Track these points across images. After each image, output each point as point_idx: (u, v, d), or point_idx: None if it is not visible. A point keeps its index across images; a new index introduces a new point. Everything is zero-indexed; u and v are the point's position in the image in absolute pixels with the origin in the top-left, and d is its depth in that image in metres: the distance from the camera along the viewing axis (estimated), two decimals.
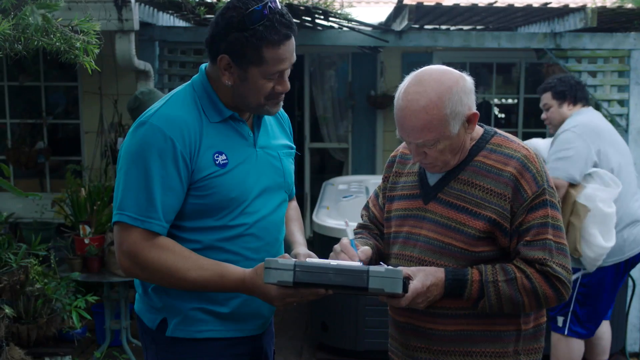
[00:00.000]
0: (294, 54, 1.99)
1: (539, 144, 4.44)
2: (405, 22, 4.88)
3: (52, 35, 2.94)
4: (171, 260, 1.92)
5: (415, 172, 2.16)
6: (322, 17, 5.19)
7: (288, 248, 2.23)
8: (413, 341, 2.10)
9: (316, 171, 8.87)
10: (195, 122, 1.97)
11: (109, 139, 6.04)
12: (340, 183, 6.46)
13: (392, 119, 7.71)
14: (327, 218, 4.94)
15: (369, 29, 5.54)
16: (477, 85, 2.12)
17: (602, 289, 3.93)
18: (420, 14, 4.88)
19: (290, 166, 2.22)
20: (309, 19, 5.30)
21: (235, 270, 1.94)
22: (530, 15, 5.20)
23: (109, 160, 5.97)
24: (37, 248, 4.12)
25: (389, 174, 2.28)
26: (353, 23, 5.43)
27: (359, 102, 7.74)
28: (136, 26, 4.50)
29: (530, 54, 6.82)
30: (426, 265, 2.02)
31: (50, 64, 6.73)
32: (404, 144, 2.26)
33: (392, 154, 2.34)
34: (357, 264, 1.87)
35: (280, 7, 1.94)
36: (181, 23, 5.86)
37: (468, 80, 2.01)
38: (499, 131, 2.13)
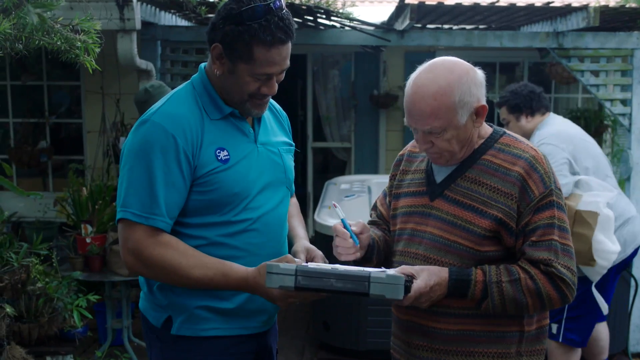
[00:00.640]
0: (287, 61, 1.99)
1: None
2: (407, 22, 4.87)
3: (52, 35, 2.94)
4: (175, 257, 1.93)
5: (423, 170, 2.17)
6: (324, 16, 5.18)
7: (289, 243, 2.24)
8: (415, 339, 2.10)
9: (319, 171, 8.86)
10: (196, 119, 1.99)
11: (111, 138, 6.04)
12: (343, 183, 6.45)
13: (395, 118, 7.74)
14: (329, 218, 4.93)
15: (371, 28, 5.54)
16: None
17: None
18: (422, 13, 4.87)
19: (291, 162, 2.24)
20: (311, 18, 5.30)
21: (238, 269, 1.95)
22: (532, 14, 5.19)
23: (111, 160, 5.97)
24: (38, 247, 4.12)
25: (396, 172, 2.29)
26: (355, 22, 5.42)
27: (362, 102, 7.73)
28: (138, 25, 4.49)
29: (533, 54, 6.81)
30: (431, 263, 2.03)
31: (53, 63, 6.73)
32: (412, 142, 2.27)
33: (400, 152, 2.35)
34: (358, 269, 1.88)
35: (283, 11, 1.94)
36: (183, 22, 5.86)
37: (479, 73, 2.03)
38: (508, 132, 2.13)
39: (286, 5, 1.99)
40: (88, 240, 4.33)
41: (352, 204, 5.61)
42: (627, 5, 4.77)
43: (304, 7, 4.64)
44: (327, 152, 8.62)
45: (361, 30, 5.39)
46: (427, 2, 4.59)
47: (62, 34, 2.71)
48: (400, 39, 5.32)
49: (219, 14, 1.97)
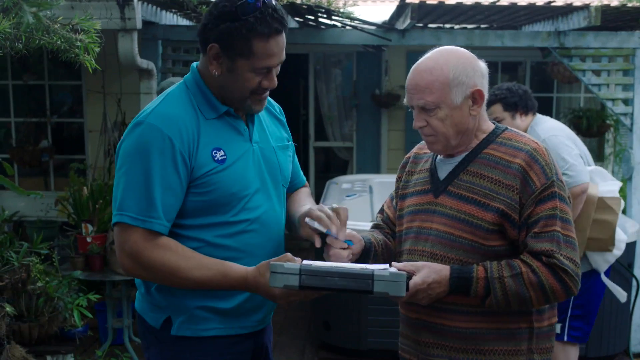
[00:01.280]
0: (284, 52, 2.00)
1: None
2: (407, 21, 4.87)
3: (52, 34, 2.95)
4: (174, 259, 1.92)
5: (427, 169, 2.18)
6: (324, 15, 5.18)
7: (295, 218, 2.19)
8: (425, 337, 2.09)
9: (321, 170, 8.86)
10: (191, 120, 1.97)
11: (112, 138, 6.04)
12: (344, 182, 6.45)
13: (396, 117, 7.74)
14: None
15: (372, 27, 5.53)
16: None
17: (600, 290, 3.89)
18: (423, 12, 4.86)
19: (287, 159, 2.22)
20: (312, 17, 5.30)
21: (238, 269, 1.95)
22: (534, 13, 5.18)
23: (112, 159, 5.97)
24: (39, 246, 4.12)
25: (401, 174, 2.31)
26: (356, 22, 5.42)
27: (364, 101, 7.73)
28: (139, 25, 4.49)
29: (535, 53, 6.80)
30: (437, 260, 2.03)
31: (55, 62, 6.74)
32: (418, 145, 2.30)
33: (407, 155, 2.36)
34: (361, 266, 1.89)
35: (274, 2, 1.95)
36: (184, 22, 5.86)
37: (481, 63, 2.06)
38: (511, 128, 2.15)
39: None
40: (89, 239, 4.33)
41: (353, 204, 5.60)
42: (629, 5, 4.75)
43: (304, 6, 4.63)
44: (329, 151, 8.62)
45: (362, 30, 5.39)
46: (427, 2, 4.58)
47: (60, 33, 2.70)
48: (401, 38, 5.32)
49: (210, 14, 1.96)
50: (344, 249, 2.06)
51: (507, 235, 1.99)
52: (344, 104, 8.01)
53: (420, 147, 2.29)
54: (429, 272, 1.96)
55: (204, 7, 4.94)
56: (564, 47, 5.16)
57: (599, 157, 7.98)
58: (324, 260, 2.05)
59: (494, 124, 2.14)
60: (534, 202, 1.96)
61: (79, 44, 2.97)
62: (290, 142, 2.28)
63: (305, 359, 4.92)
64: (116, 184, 1.96)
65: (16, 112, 6.96)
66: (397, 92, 7.50)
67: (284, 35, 1.96)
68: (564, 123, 7.43)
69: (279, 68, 2.03)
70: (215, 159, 1.97)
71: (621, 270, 4.59)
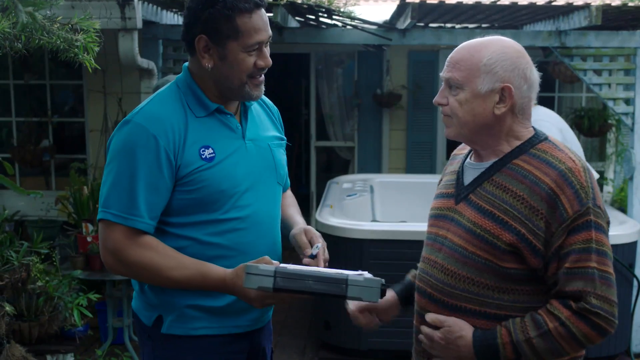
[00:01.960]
0: (269, 27, 2.00)
1: None
2: (408, 20, 4.86)
3: (51, 34, 2.95)
4: (155, 258, 1.93)
5: (455, 171, 2.05)
6: (325, 15, 5.18)
7: (287, 230, 2.23)
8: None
9: (322, 170, 8.86)
10: (179, 119, 1.98)
11: None
12: (345, 182, 6.45)
13: (398, 117, 7.73)
14: (331, 217, 4.93)
15: (372, 27, 5.53)
16: None
17: None
18: (424, 12, 4.86)
19: (282, 157, 2.22)
20: (313, 17, 5.30)
21: (217, 270, 1.95)
22: (535, 13, 5.17)
23: None
24: (39, 246, 4.12)
25: (442, 176, 2.18)
26: (356, 21, 5.41)
27: (365, 101, 7.72)
28: (139, 24, 4.50)
29: (537, 52, 6.77)
30: (449, 275, 1.92)
31: (56, 62, 6.74)
32: (460, 145, 2.16)
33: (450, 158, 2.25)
34: (337, 271, 1.89)
35: None
36: None
37: (532, 69, 1.91)
38: (552, 138, 1.94)
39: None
40: (89, 239, 4.33)
41: (354, 203, 5.61)
42: (630, 4, 4.74)
43: (305, 5, 4.63)
44: (331, 151, 8.61)
45: (363, 29, 5.38)
46: (428, 1, 4.57)
47: (56, 32, 2.70)
48: (402, 37, 5.31)
49: (189, 10, 1.98)
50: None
51: (526, 261, 1.82)
52: (346, 103, 8.00)
53: (459, 148, 2.15)
54: (449, 331, 1.89)
55: None
56: (565, 47, 5.16)
57: (600, 156, 7.96)
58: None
59: (534, 130, 1.94)
60: (565, 232, 1.78)
61: (78, 43, 2.97)
62: (284, 141, 2.28)
63: (305, 359, 4.92)
64: (103, 181, 1.99)
65: (17, 112, 6.97)
66: (399, 91, 7.49)
67: (264, 11, 1.98)
68: (566, 123, 7.49)
69: (269, 49, 2.03)
70: (203, 156, 1.97)
71: (622, 270, 4.58)
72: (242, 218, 2.03)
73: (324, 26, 5.59)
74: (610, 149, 7.71)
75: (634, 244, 4.70)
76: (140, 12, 4.50)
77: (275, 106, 2.33)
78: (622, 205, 6.48)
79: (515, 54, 1.88)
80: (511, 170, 1.87)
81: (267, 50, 2.02)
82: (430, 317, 1.95)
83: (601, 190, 7.79)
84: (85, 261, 4.37)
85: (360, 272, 1.89)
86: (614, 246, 4.37)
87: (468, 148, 2.07)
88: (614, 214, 5.06)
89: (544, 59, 6.89)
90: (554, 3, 4.67)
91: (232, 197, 2.01)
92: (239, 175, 2.03)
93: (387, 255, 4.54)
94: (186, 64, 2.10)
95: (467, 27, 5.96)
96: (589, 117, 7.13)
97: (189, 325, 2.04)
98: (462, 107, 1.88)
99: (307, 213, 7.82)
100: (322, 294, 1.83)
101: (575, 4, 4.67)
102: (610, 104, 5.22)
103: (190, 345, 2.05)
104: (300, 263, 2.02)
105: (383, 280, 1.86)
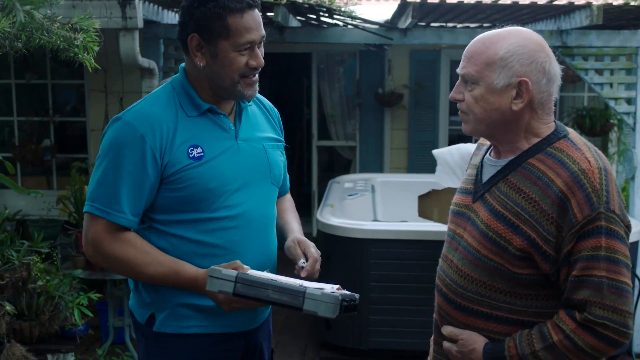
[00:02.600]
0: (262, 28, 2.01)
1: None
2: (409, 20, 4.86)
3: (51, 33, 2.95)
4: (131, 253, 1.98)
5: (476, 166, 2.01)
6: (326, 14, 5.18)
7: (284, 237, 2.24)
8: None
9: (324, 169, 8.86)
10: (169, 118, 2.00)
11: None
12: (346, 181, 6.45)
13: (400, 117, 7.73)
14: (331, 216, 4.93)
15: (373, 26, 5.53)
16: None
17: None
18: (424, 11, 4.86)
19: (278, 158, 2.22)
20: (314, 16, 5.30)
21: (190, 269, 1.99)
22: (536, 12, 5.16)
23: None
24: (39, 245, 4.12)
25: (467, 167, 2.12)
26: (357, 21, 5.41)
27: (367, 100, 7.72)
28: (140, 24, 4.50)
29: None
30: (462, 276, 1.90)
31: (58, 62, 6.74)
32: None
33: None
34: (297, 283, 1.92)
35: None
36: None
37: (554, 63, 1.82)
38: (573, 135, 1.86)
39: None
40: None
41: (354, 203, 5.61)
42: (632, 3, 4.73)
43: (306, 5, 4.63)
44: (332, 150, 8.62)
45: (364, 29, 5.38)
46: (429, 1, 4.57)
47: (55, 32, 2.71)
48: (403, 37, 5.31)
49: (183, 9, 2.01)
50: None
51: (538, 266, 1.77)
52: (347, 103, 8.00)
53: (483, 139, 2.08)
54: (463, 344, 1.89)
55: None
56: (566, 46, 5.15)
57: None
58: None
59: (555, 125, 1.86)
60: (574, 238, 1.71)
61: (78, 43, 2.97)
62: (282, 143, 2.28)
63: (306, 358, 4.92)
64: (92, 174, 2.03)
65: (19, 111, 6.97)
66: (400, 91, 7.49)
67: (257, 11, 2.00)
68: (568, 122, 7.49)
69: (262, 49, 2.04)
70: (191, 155, 1.99)
71: None
72: (232, 217, 2.04)
73: (325, 26, 5.59)
74: (612, 149, 7.70)
75: (635, 244, 4.69)
76: (141, 11, 4.50)
77: (275, 109, 2.34)
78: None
79: (534, 46, 1.80)
80: (526, 170, 1.81)
81: (260, 51, 2.02)
82: (446, 330, 1.95)
83: None
84: (86, 260, 4.37)
85: (329, 286, 1.92)
86: None
87: None
88: None
89: None
90: (555, 2, 4.66)
91: (222, 196, 2.02)
92: (228, 175, 2.04)
93: (388, 255, 4.55)
94: (183, 64, 2.12)
95: (468, 27, 5.95)
96: (590, 117, 7.13)
97: (180, 323, 2.05)
98: (477, 103, 1.82)
99: (308, 212, 7.83)
100: (280, 304, 1.87)
101: (576, 3, 4.67)
102: (611, 103, 5.21)
103: (182, 343, 2.06)
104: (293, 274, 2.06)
105: (349, 293, 1.89)
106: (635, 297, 4.78)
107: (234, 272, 1.88)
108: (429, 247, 4.18)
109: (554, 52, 1.93)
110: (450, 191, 3.81)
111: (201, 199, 2.00)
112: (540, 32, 5.21)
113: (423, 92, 7.48)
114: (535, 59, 1.79)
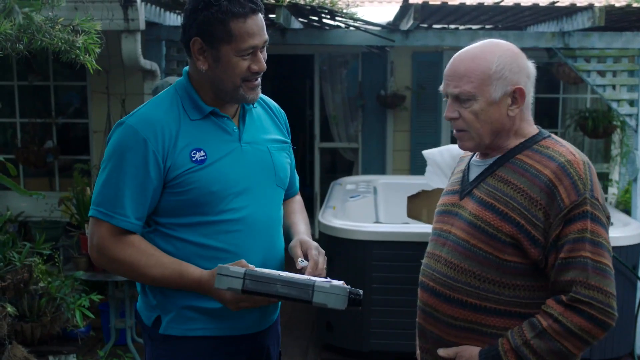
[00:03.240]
0: (265, 32, 2.01)
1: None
2: (411, 22, 4.86)
3: (52, 35, 2.96)
4: (135, 256, 1.99)
5: (462, 170, 2.09)
6: (328, 16, 5.18)
7: (289, 239, 2.23)
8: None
9: (326, 171, 8.86)
10: (172, 122, 2.00)
11: None
12: (348, 183, 6.44)
13: (402, 118, 7.73)
14: (333, 218, 4.92)
15: (375, 28, 5.53)
16: None
17: None
18: (426, 13, 4.85)
19: (284, 160, 2.21)
20: (316, 18, 5.30)
21: (194, 270, 1.99)
22: (538, 14, 5.15)
23: None
24: (41, 247, 4.14)
25: (450, 177, 2.21)
26: (359, 22, 5.41)
27: (369, 102, 7.72)
28: (142, 26, 4.50)
29: (542, 53, 6.77)
30: (452, 269, 1.95)
31: (61, 63, 6.76)
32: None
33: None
34: (305, 277, 1.93)
35: None
36: None
37: (529, 63, 1.95)
38: (555, 136, 1.98)
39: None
40: None
41: (356, 205, 5.60)
42: (634, 5, 4.73)
43: (307, 7, 4.63)
44: (335, 152, 8.62)
45: (365, 31, 5.38)
46: (430, 2, 4.57)
47: (55, 34, 2.72)
48: (405, 39, 5.31)
49: (186, 12, 2.00)
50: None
51: (526, 253, 1.84)
52: (350, 104, 8.00)
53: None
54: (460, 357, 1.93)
55: None
56: (568, 48, 5.14)
57: (605, 158, 7.94)
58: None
59: (538, 129, 1.99)
60: (561, 222, 1.80)
61: (79, 44, 2.98)
62: (288, 144, 2.27)
63: None
64: (97, 179, 2.04)
65: (21, 113, 6.99)
66: (403, 92, 7.49)
67: (260, 16, 1.99)
68: (570, 124, 7.48)
69: (265, 53, 2.03)
70: (194, 159, 1.99)
71: (626, 273, 4.57)
72: (236, 220, 2.03)
73: (327, 27, 5.59)
74: (615, 151, 7.69)
75: (638, 245, 4.68)
76: (143, 13, 4.51)
77: (282, 110, 2.33)
78: (627, 207, 6.45)
79: (517, 55, 1.92)
80: (513, 165, 1.91)
81: (263, 55, 2.02)
82: (442, 352, 1.98)
83: (606, 192, 7.76)
84: (88, 262, 4.37)
85: (335, 281, 1.93)
86: (618, 248, 4.40)
87: None
88: (617, 216, 5.04)
89: (548, 60, 6.88)
90: (557, 4, 4.66)
91: (225, 199, 2.01)
92: (232, 178, 2.03)
93: (390, 256, 4.54)
94: (186, 67, 2.12)
95: (470, 28, 5.95)
96: (593, 119, 7.11)
97: (186, 326, 2.05)
98: (478, 118, 1.90)
99: (311, 214, 7.82)
100: (289, 298, 1.88)
101: (578, 4, 4.66)
102: (614, 105, 5.20)
103: (188, 346, 2.05)
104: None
105: (354, 288, 1.90)
106: (638, 300, 4.78)
107: (242, 269, 1.88)
108: None
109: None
110: (440, 192, 3.81)
111: (204, 202, 2.00)
112: (542, 33, 5.23)
113: (425, 93, 7.48)
114: (522, 66, 1.91)
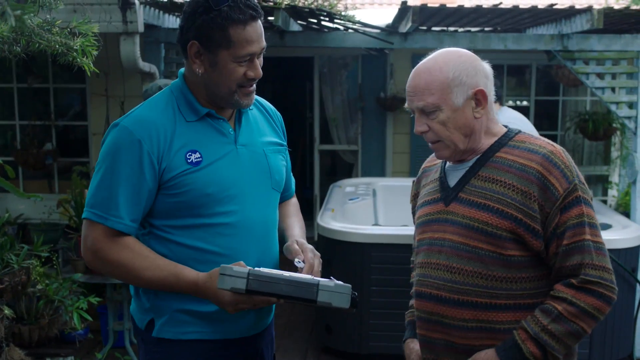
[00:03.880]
0: (263, 39, 2.00)
1: None
2: (409, 24, 4.86)
3: (45, 38, 2.95)
4: (129, 258, 1.97)
5: (437, 178, 2.10)
6: (327, 19, 5.18)
7: (284, 242, 2.22)
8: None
9: (326, 173, 8.86)
10: (167, 123, 1.99)
11: None
12: (348, 185, 6.44)
13: (401, 121, 7.73)
14: (332, 221, 4.92)
15: (375, 30, 5.53)
16: None
17: None
18: (425, 15, 4.86)
19: (279, 163, 2.20)
20: (315, 20, 5.30)
21: (189, 272, 1.97)
22: (537, 16, 5.15)
23: None
24: (39, 249, 4.13)
25: (417, 190, 2.24)
26: (358, 25, 5.41)
27: (369, 104, 7.72)
28: (140, 28, 4.51)
29: (541, 56, 6.77)
30: (455, 273, 1.95)
31: (61, 66, 6.74)
32: (428, 159, 2.24)
33: (419, 172, 2.28)
34: (308, 276, 1.93)
35: None
36: None
37: (484, 64, 1.98)
38: (524, 131, 2.05)
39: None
40: None
41: (355, 207, 5.60)
42: (633, 7, 4.73)
43: (306, 9, 4.63)
44: (334, 154, 8.62)
45: (364, 33, 5.38)
46: (429, 5, 4.57)
47: (49, 37, 2.72)
48: (404, 41, 5.30)
49: (185, 14, 1.99)
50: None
51: (528, 246, 1.89)
52: (349, 106, 8.00)
53: (429, 160, 2.22)
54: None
55: None
56: (567, 50, 5.13)
57: (605, 160, 7.93)
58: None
59: (506, 127, 2.04)
60: (559, 210, 1.86)
61: (76, 47, 2.98)
62: (284, 147, 2.26)
63: None
64: (91, 181, 2.03)
65: (21, 115, 6.99)
66: (402, 95, 7.46)
67: (260, 22, 1.98)
68: (570, 127, 7.48)
69: (262, 59, 2.03)
70: (189, 161, 1.98)
71: (625, 275, 4.56)
72: (231, 223, 2.02)
73: (325, 30, 5.59)
74: (615, 153, 7.68)
75: (637, 248, 4.67)
76: (141, 15, 4.51)
77: (278, 112, 2.32)
78: (626, 209, 6.44)
79: (470, 58, 1.97)
80: (495, 163, 1.95)
81: (259, 61, 2.01)
82: None
83: (605, 194, 7.77)
84: (86, 264, 4.37)
85: (331, 278, 1.92)
86: (617, 250, 4.40)
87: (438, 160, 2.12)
88: (617, 218, 5.03)
89: (548, 62, 6.88)
90: (555, 6, 4.66)
91: (220, 202, 2.00)
92: (227, 180, 2.02)
93: (389, 259, 4.53)
94: (182, 69, 2.11)
95: (469, 31, 5.95)
96: (593, 121, 7.10)
97: (179, 329, 2.04)
98: (446, 126, 1.94)
99: (310, 217, 7.81)
100: (293, 297, 1.87)
101: (577, 7, 4.66)
102: (613, 107, 5.20)
103: (181, 349, 2.04)
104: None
105: (354, 292, 1.90)
106: (637, 303, 4.77)
107: (245, 269, 1.87)
108: None
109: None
110: None
111: (199, 205, 1.99)
112: (541, 36, 5.23)
113: None
114: (476, 67, 1.95)
